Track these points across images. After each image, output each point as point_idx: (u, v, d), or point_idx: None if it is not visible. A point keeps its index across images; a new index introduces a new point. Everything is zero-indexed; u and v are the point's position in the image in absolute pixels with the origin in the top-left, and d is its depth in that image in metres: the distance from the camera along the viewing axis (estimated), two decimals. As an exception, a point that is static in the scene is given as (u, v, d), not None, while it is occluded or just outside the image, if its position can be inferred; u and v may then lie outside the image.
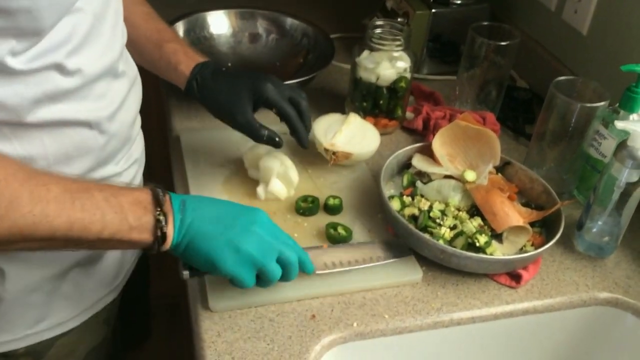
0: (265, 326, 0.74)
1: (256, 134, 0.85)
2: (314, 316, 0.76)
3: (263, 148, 0.97)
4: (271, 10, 1.28)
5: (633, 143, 0.80)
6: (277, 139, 0.86)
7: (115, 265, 0.84)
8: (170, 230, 0.66)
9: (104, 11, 0.69)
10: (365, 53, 1.05)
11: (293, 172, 0.92)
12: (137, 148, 0.84)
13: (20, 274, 0.71)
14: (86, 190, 0.61)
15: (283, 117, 0.87)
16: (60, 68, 0.63)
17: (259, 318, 0.75)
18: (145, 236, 0.64)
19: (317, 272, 0.79)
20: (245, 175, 0.96)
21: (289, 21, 1.26)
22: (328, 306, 0.78)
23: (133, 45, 0.84)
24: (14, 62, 0.59)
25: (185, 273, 0.73)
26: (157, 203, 0.65)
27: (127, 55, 0.79)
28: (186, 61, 0.88)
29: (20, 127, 0.63)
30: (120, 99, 0.74)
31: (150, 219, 0.64)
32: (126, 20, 0.81)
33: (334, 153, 0.95)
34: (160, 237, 0.65)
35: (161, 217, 0.64)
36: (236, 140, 1.02)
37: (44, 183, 0.59)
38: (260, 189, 0.91)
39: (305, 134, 0.88)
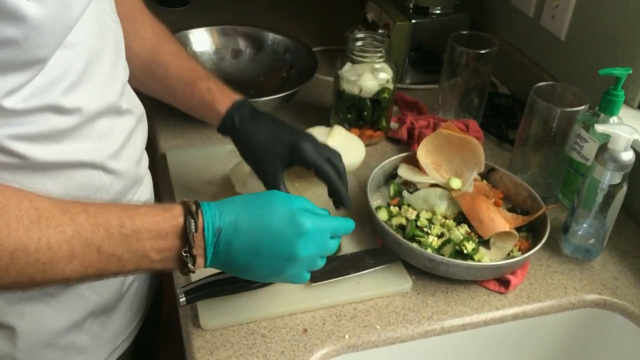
0: (257, 342, 0.74)
1: (321, 164, 0.81)
2: (305, 330, 0.77)
3: (249, 163, 0.97)
4: (253, 26, 1.29)
5: (614, 146, 0.82)
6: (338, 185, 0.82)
7: (131, 311, 0.84)
8: (200, 263, 0.62)
9: (100, 46, 0.67)
10: (348, 65, 1.06)
11: (280, 187, 0.93)
12: (146, 189, 0.82)
13: (32, 329, 0.69)
14: (103, 228, 0.57)
15: (323, 177, 0.81)
16: (56, 108, 0.60)
17: (250, 334, 0.75)
18: (170, 266, 0.62)
19: (313, 284, 0.80)
20: (232, 192, 0.96)
21: (271, 36, 1.27)
22: (319, 319, 0.78)
23: (164, 85, 0.83)
24: (8, 102, 0.56)
25: (182, 300, 0.74)
26: (186, 240, 0.60)
27: (131, 93, 0.78)
28: (222, 99, 0.83)
29: (20, 170, 0.61)
30: (125, 136, 0.72)
31: (176, 255, 0.61)
32: (155, 60, 0.81)
33: (320, 166, 0.95)
34: (187, 268, 0.62)
35: (188, 258, 0.61)
36: (223, 157, 1.03)
37: (56, 224, 0.55)
38: (247, 205, 0.92)
39: (347, 194, 0.82)
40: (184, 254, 0.60)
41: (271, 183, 0.80)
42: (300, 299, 0.79)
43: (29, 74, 0.56)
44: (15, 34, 0.52)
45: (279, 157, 0.79)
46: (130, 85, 0.79)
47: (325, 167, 0.80)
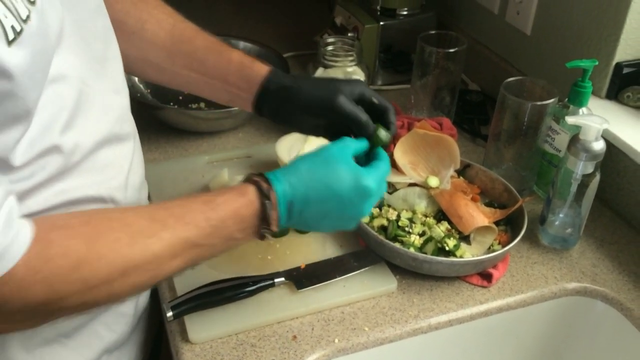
0: (247, 352, 0.74)
1: (360, 120, 0.72)
2: (295, 337, 0.77)
3: (228, 173, 0.97)
4: (222, 36, 1.28)
5: (585, 136, 0.84)
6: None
7: (141, 344, 0.83)
8: (274, 231, 0.67)
9: (91, 71, 0.64)
10: (320, 70, 1.07)
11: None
12: None
13: None
14: (193, 225, 0.61)
15: (382, 108, 0.76)
16: (57, 149, 0.58)
17: (240, 345, 0.75)
18: (250, 239, 0.66)
19: (299, 290, 0.81)
20: (212, 203, 0.96)
21: (241, 44, 1.27)
22: (308, 325, 0.78)
23: (192, 60, 0.79)
24: (16, 157, 0.54)
25: (170, 315, 0.74)
26: (264, 218, 0.64)
27: (129, 113, 0.74)
28: (259, 63, 0.80)
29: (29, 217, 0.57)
30: (128, 164, 0.70)
31: (255, 231, 0.65)
32: (176, 37, 0.79)
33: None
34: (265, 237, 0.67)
35: (266, 231, 0.66)
36: (200, 168, 1.03)
37: (152, 233, 0.59)
38: (229, 215, 0.91)
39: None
40: (263, 229, 0.65)
41: (344, 105, 0.73)
42: (288, 305, 0.79)
43: (28, 121, 0.54)
44: (7, 87, 0.49)
45: (343, 94, 0.74)
46: (148, 78, 0.78)
47: (359, 116, 0.73)
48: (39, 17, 0.51)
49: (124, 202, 0.69)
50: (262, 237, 0.66)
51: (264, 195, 0.64)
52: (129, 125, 0.73)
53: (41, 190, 0.58)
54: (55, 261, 0.53)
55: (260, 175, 0.66)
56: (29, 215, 0.56)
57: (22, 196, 0.57)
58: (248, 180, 0.66)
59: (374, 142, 0.74)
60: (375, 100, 0.76)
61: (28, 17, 0.50)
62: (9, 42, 0.47)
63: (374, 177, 0.68)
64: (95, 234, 0.56)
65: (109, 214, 0.60)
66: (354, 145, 0.70)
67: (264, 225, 0.65)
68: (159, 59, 0.81)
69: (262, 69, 0.79)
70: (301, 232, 0.90)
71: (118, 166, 0.68)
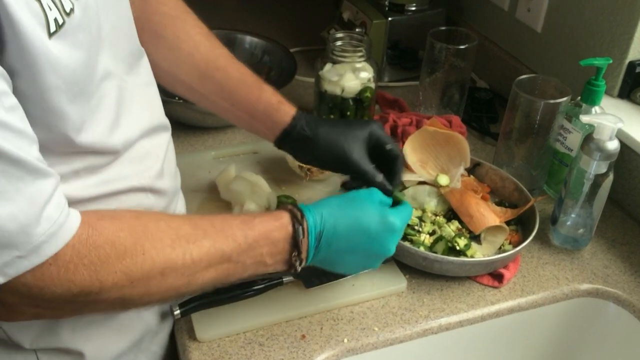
0: (256, 351, 0.73)
1: (370, 175, 0.77)
2: (304, 336, 0.76)
3: (234, 170, 0.96)
4: (229, 30, 1.27)
5: (599, 135, 0.82)
6: (387, 187, 0.78)
7: None
8: (303, 263, 0.68)
9: (132, 65, 0.66)
10: (328, 66, 1.05)
11: (267, 191, 0.92)
12: (181, 202, 0.81)
13: (98, 352, 0.70)
14: (232, 239, 0.63)
15: (393, 156, 0.80)
16: (107, 151, 0.60)
17: (248, 344, 0.74)
18: (279, 268, 0.68)
19: (308, 288, 0.80)
20: (219, 198, 0.95)
21: (248, 39, 1.25)
22: (317, 324, 0.77)
23: (223, 90, 0.81)
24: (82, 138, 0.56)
25: (177, 312, 0.73)
26: (295, 244, 0.66)
27: (161, 106, 0.75)
28: (287, 104, 0.82)
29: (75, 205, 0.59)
30: (164, 153, 0.72)
31: (286, 258, 0.67)
32: (211, 64, 0.80)
33: (308, 169, 0.94)
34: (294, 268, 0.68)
35: (296, 261, 0.67)
36: (206, 164, 1.01)
37: (194, 240, 0.60)
38: (235, 211, 0.90)
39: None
40: (293, 258, 0.67)
41: (357, 158, 0.78)
42: (297, 304, 0.78)
43: (91, 101, 0.56)
44: (54, 80, 0.50)
45: (358, 139, 0.79)
46: (176, 92, 0.80)
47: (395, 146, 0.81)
48: (82, 11, 0.52)
49: (161, 190, 0.70)
50: (290, 267, 0.67)
51: (297, 221, 0.66)
52: (164, 115, 0.74)
53: (81, 178, 0.59)
54: (103, 248, 0.55)
55: (294, 205, 0.69)
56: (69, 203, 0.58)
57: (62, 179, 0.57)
58: (282, 208, 0.69)
59: None
60: (387, 147, 0.79)
61: (72, 10, 0.51)
62: (50, 34, 0.49)
63: (399, 216, 0.71)
64: (142, 230, 0.58)
65: (157, 215, 0.63)
66: (380, 194, 0.74)
67: (295, 253, 0.66)
68: (191, 79, 0.82)
69: (287, 115, 0.80)
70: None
71: (154, 155, 0.69)
